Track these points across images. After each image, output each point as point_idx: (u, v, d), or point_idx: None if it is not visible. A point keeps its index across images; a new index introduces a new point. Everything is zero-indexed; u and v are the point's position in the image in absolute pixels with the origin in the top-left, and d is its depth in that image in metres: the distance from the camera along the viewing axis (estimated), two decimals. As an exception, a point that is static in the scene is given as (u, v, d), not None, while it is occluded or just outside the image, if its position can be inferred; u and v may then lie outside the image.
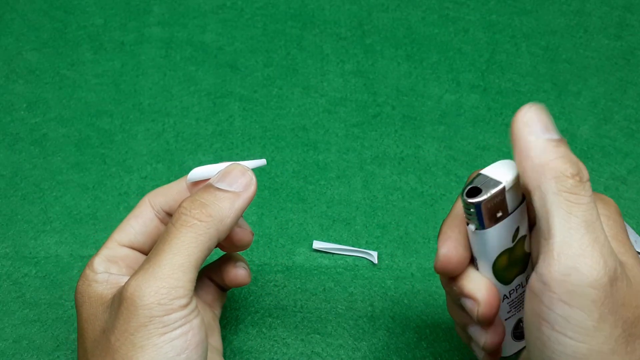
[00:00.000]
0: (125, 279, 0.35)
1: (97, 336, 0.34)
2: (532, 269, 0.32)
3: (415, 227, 0.51)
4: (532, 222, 0.35)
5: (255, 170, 0.37)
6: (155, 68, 0.59)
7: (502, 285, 0.35)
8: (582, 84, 0.59)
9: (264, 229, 0.50)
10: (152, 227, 0.39)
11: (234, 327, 0.46)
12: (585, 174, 0.31)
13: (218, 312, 0.42)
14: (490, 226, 0.32)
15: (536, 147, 0.30)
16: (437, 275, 0.40)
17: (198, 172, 0.37)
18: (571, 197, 0.30)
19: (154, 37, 0.61)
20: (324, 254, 0.49)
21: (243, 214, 0.37)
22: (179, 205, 0.35)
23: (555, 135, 0.31)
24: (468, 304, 0.35)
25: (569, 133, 0.56)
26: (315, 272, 0.48)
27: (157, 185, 0.52)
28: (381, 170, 0.53)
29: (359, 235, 0.50)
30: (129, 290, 0.33)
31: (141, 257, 0.39)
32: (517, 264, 0.35)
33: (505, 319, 0.37)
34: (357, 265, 0.49)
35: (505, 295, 0.36)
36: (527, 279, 0.36)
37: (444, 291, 0.38)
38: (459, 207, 0.34)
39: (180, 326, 0.33)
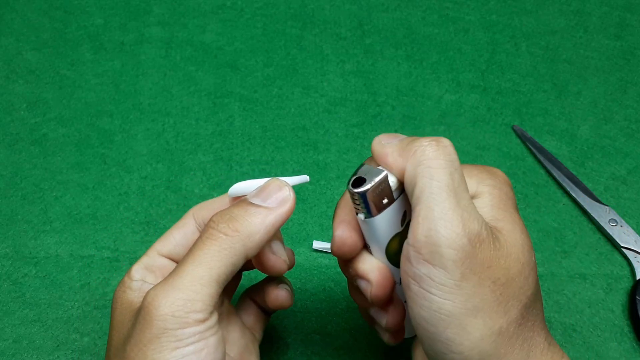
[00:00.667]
0: None
1: (120, 344, 0.34)
2: None
3: (415, 227, 0.51)
4: None
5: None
6: (155, 68, 0.59)
7: (396, 268, 0.36)
8: (582, 84, 0.59)
9: (264, 229, 0.50)
10: (193, 240, 0.38)
11: (234, 327, 0.46)
12: (443, 140, 0.32)
13: (259, 335, 0.41)
14: (377, 213, 0.33)
15: (388, 145, 0.33)
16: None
17: (239, 187, 0.36)
18: (432, 163, 0.31)
19: (154, 37, 0.61)
20: (324, 254, 0.49)
21: (283, 239, 0.36)
22: (210, 219, 0.34)
23: (400, 137, 0.34)
24: (362, 284, 0.36)
25: (569, 133, 0.56)
26: (315, 272, 0.48)
27: (157, 185, 0.52)
28: (381, 170, 0.53)
29: (359, 235, 0.50)
30: (148, 299, 0.32)
31: None
32: None
33: (405, 300, 0.37)
34: (357, 265, 0.49)
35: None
36: None
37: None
38: None
39: (193, 342, 0.32)
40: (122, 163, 0.53)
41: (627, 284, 0.48)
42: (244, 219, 0.34)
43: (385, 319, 0.37)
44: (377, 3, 0.64)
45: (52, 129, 0.55)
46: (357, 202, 0.33)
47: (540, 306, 0.34)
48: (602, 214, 0.51)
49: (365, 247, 0.36)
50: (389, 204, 0.33)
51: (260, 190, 0.35)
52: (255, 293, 0.41)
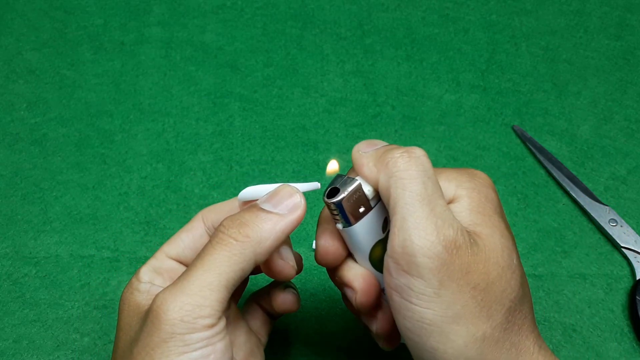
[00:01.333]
0: None
1: (126, 346, 0.34)
2: None
3: (415, 227, 0.51)
4: None
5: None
6: (155, 68, 0.59)
7: (382, 275, 0.35)
8: (582, 84, 0.59)
9: (264, 229, 0.50)
10: (201, 243, 0.37)
11: (234, 327, 0.46)
12: (415, 150, 0.32)
13: (264, 339, 0.41)
14: (355, 222, 0.34)
15: (365, 155, 0.34)
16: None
17: (249, 192, 0.36)
18: (404, 175, 0.32)
19: (154, 37, 0.61)
20: (324, 254, 0.49)
21: (291, 244, 0.36)
22: (220, 223, 0.34)
23: (378, 145, 0.34)
24: (348, 292, 0.36)
25: (569, 133, 0.56)
26: (315, 272, 0.48)
27: (157, 185, 0.52)
28: (381, 170, 0.53)
29: (359, 235, 0.50)
30: (157, 302, 0.32)
31: None
32: None
33: None
34: (357, 265, 0.49)
35: None
36: None
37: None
38: None
39: (201, 348, 0.32)
40: (122, 163, 0.53)
41: (627, 284, 0.48)
42: (254, 224, 0.34)
43: (375, 326, 0.37)
44: (377, 3, 0.64)
45: (52, 129, 0.55)
46: (335, 212, 0.34)
47: (529, 309, 0.33)
48: (602, 214, 0.51)
49: (350, 255, 0.36)
50: (366, 212, 0.34)
51: (271, 196, 0.35)
52: (261, 297, 0.41)
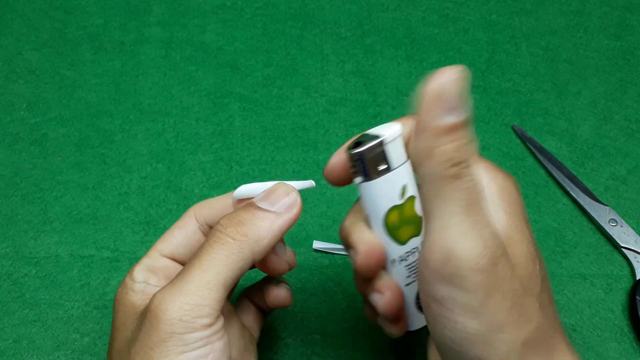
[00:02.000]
0: None
1: (123, 346, 0.34)
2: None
3: (415, 227, 0.51)
4: None
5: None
6: (155, 68, 0.59)
7: (397, 245, 0.35)
8: (582, 84, 0.59)
9: (264, 229, 0.50)
10: (195, 240, 0.38)
11: (234, 327, 0.46)
12: (471, 159, 0.29)
13: (256, 334, 0.41)
14: (374, 178, 0.33)
15: (431, 129, 0.28)
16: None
17: (244, 190, 0.36)
18: (454, 182, 0.28)
19: (154, 37, 0.61)
20: (324, 254, 0.49)
21: (284, 240, 0.36)
22: (217, 222, 0.34)
23: (456, 117, 0.28)
24: (351, 253, 0.35)
25: (569, 133, 0.56)
26: (315, 272, 0.48)
27: (157, 185, 0.52)
28: (381, 170, 0.53)
29: (359, 235, 0.50)
30: (155, 302, 0.32)
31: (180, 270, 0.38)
32: (410, 223, 0.35)
33: (406, 285, 0.37)
34: (357, 265, 0.49)
35: (401, 257, 0.36)
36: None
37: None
38: None
39: (199, 347, 0.32)
40: (122, 163, 0.53)
41: (627, 284, 0.48)
42: (252, 223, 0.34)
43: (381, 301, 0.35)
44: (377, 3, 0.64)
45: (52, 129, 0.55)
46: (354, 165, 0.33)
47: (553, 308, 0.33)
48: (602, 214, 0.51)
49: (365, 221, 0.36)
50: (386, 171, 0.33)
51: (268, 194, 0.35)
52: (253, 293, 0.41)
